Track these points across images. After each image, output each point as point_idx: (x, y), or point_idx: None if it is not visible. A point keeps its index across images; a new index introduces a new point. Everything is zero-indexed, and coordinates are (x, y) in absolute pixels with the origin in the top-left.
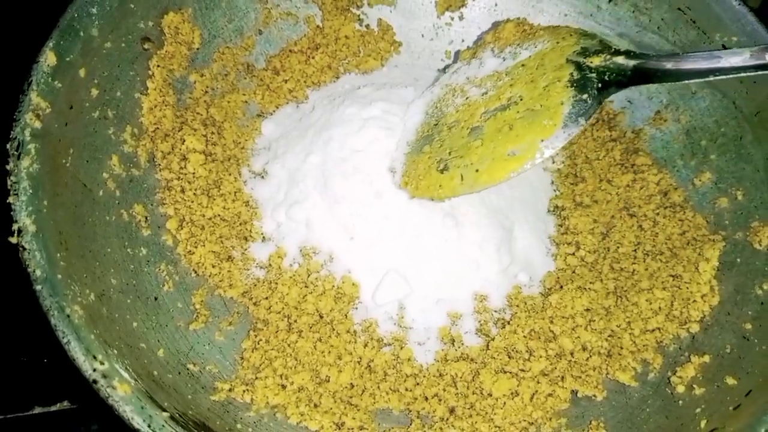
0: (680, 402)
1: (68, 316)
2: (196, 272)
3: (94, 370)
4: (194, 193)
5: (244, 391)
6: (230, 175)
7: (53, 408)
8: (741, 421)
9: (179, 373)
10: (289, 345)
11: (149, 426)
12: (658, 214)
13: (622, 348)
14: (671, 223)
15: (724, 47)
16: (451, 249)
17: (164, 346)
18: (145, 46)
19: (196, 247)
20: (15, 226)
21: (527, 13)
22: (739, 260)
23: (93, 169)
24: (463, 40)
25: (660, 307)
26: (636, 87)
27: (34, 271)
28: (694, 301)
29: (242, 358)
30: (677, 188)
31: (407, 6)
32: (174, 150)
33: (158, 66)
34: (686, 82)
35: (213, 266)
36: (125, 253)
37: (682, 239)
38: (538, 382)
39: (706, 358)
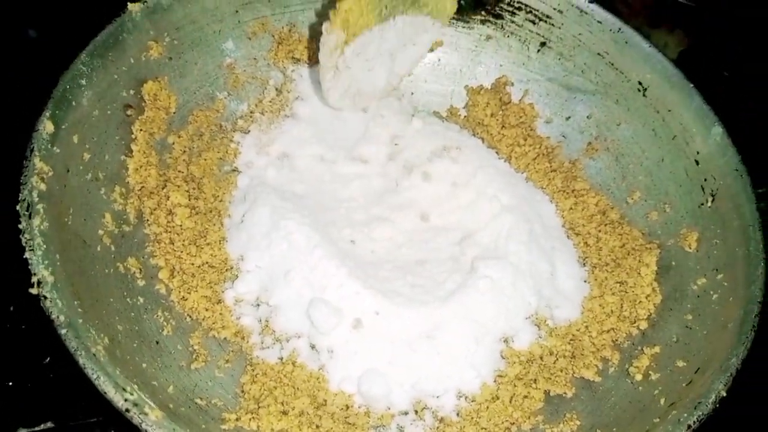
0: (640, 388)
1: (94, 355)
2: (190, 317)
3: (126, 400)
4: (183, 244)
5: (250, 419)
6: (214, 225)
7: (37, 428)
8: (695, 392)
9: (189, 406)
10: (285, 375)
11: None
12: (599, 231)
13: (583, 349)
14: (612, 238)
15: (640, 83)
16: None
17: (172, 383)
18: (128, 113)
19: (189, 293)
20: (34, 278)
21: (467, 66)
22: (674, 263)
23: (90, 227)
24: (412, 93)
25: (612, 310)
26: (568, 123)
27: (58, 317)
28: (640, 301)
29: (243, 392)
30: (613, 207)
31: None
32: (160, 206)
33: (141, 130)
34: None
35: (206, 310)
36: (125, 302)
37: (623, 251)
38: (515, 386)
39: (657, 349)
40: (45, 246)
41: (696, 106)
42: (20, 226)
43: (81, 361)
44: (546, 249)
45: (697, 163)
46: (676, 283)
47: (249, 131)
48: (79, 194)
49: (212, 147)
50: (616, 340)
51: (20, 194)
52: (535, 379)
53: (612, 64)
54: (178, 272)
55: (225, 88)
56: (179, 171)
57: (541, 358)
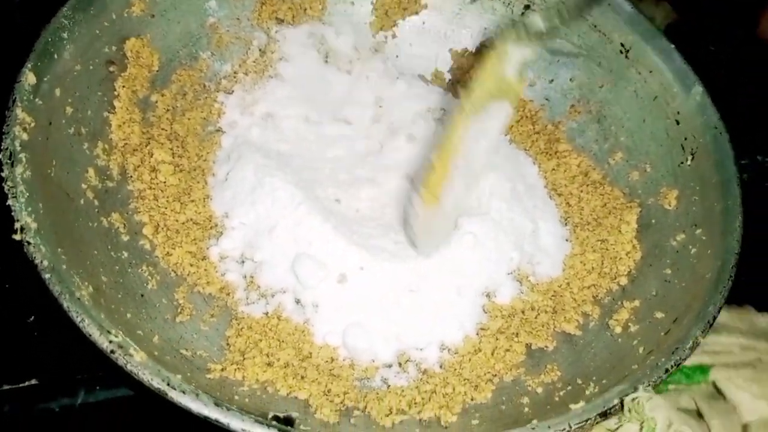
0: (619, 339)
1: (78, 298)
2: (175, 272)
3: (110, 342)
4: (167, 200)
5: (235, 370)
6: (198, 182)
7: (21, 385)
8: (672, 338)
9: (174, 356)
10: (270, 328)
11: (168, 384)
12: (581, 191)
13: (564, 305)
14: (593, 198)
15: (622, 45)
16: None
17: (157, 334)
18: (111, 69)
19: (173, 249)
20: (17, 224)
21: (452, 30)
22: (653, 221)
23: (73, 180)
24: (396, 56)
25: (593, 267)
26: (551, 86)
27: (41, 262)
28: (620, 258)
29: (228, 344)
30: (595, 168)
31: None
32: (143, 163)
33: (123, 87)
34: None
35: (191, 266)
36: (110, 255)
37: (604, 210)
38: (497, 339)
39: (636, 303)
40: (28, 194)
41: (676, 66)
42: (2, 174)
43: (65, 304)
44: (528, 207)
45: (678, 122)
46: (655, 240)
47: (232, 91)
48: (62, 147)
49: (196, 106)
50: (597, 295)
51: (2, 143)
52: (517, 333)
53: (595, 27)
54: (162, 228)
55: (208, 47)
56: (162, 129)
57: (523, 312)
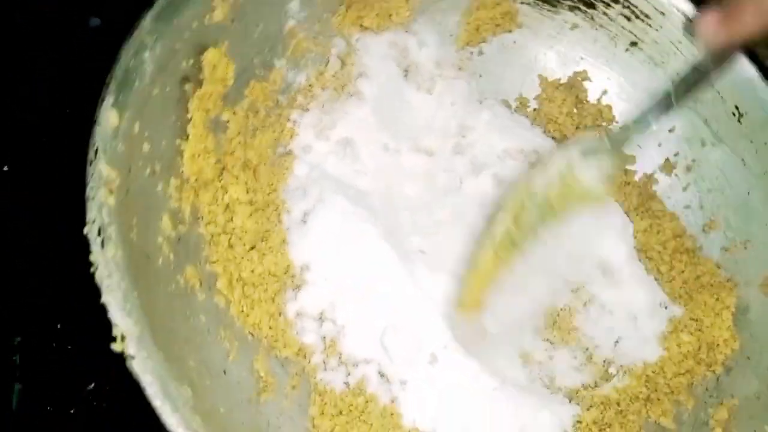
0: None
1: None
2: (252, 334)
3: None
4: (243, 248)
5: None
6: (274, 224)
7: None
8: None
9: None
10: (356, 408)
11: None
12: (674, 258)
13: (657, 391)
14: (687, 269)
15: (737, 108)
16: None
17: (246, 425)
18: (185, 87)
19: (252, 308)
20: (116, 331)
21: (543, 53)
22: (751, 309)
23: (151, 235)
24: (480, 75)
25: (688, 351)
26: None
27: (151, 384)
28: (717, 345)
29: (314, 426)
30: (690, 235)
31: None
32: (217, 200)
33: (198, 108)
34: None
35: (270, 327)
36: (189, 324)
37: (696, 283)
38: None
39: (736, 401)
40: (124, 284)
41: None
42: (92, 259)
43: None
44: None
45: None
46: (754, 331)
47: (308, 109)
48: (140, 198)
49: (267, 125)
50: (692, 384)
51: (88, 214)
52: (611, 424)
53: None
54: (238, 281)
55: (284, 55)
56: (236, 157)
57: (618, 404)
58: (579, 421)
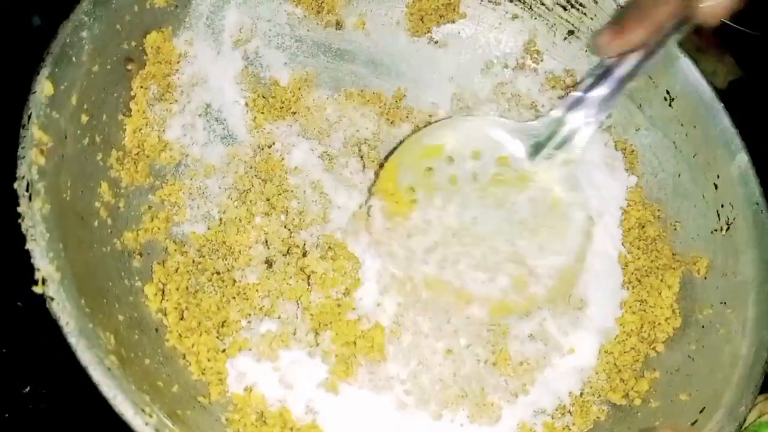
0: (639, 414)
1: (109, 369)
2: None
3: (146, 424)
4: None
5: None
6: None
7: None
8: None
9: (194, 407)
10: None
11: None
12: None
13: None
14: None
15: (668, 92)
16: None
17: (175, 381)
18: (129, 67)
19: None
20: (38, 274)
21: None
22: (688, 288)
23: (87, 199)
24: None
25: (632, 330)
26: None
27: (67, 323)
28: (659, 324)
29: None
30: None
31: None
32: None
33: (140, 87)
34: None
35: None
36: (123, 285)
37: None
38: None
39: (657, 374)
40: (48, 234)
41: (723, 127)
42: (20, 209)
43: (95, 377)
44: None
45: (716, 187)
46: (687, 309)
47: None
48: (76, 163)
49: None
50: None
51: (18, 170)
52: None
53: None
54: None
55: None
56: None
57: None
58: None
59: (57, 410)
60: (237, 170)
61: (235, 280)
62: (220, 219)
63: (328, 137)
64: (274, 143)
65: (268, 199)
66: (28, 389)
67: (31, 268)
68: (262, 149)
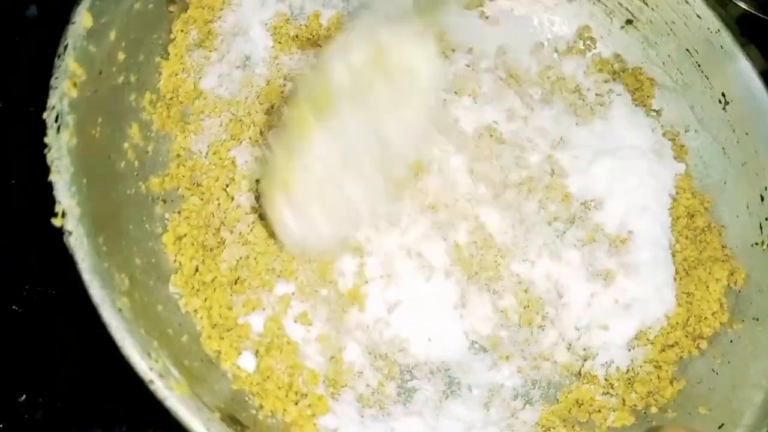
0: (653, 422)
1: (120, 309)
2: None
3: (151, 369)
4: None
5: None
6: None
7: None
8: None
9: (201, 360)
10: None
11: (207, 429)
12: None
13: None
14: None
15: (723, 95)
16: None
17: (185, 331)
18: (170, 9)
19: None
20: (58, 207)
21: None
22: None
23: (116, 139)
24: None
25: (677, 323)
26: None
27: (83, 260)
28: (705, 318)
29: None
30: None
31: None
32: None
33: (181, 30)
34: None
35: None
36: (144, 229)
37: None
38: None
39: (682, 384)
40: (73, 168)
41: None
42: (46, 140)
43: (104, 316)
44: None
45: (762, 199)
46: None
47: None
48: (109, 100)
49: None
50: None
51: (48, 100)
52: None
53: (698, 65)
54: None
55: None
56: None
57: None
58: None
59: (53, 419)
60: None
61: (249, 240)
62: None
63: None
64: None
65: None
66: (23, 398)
67: (31, 269)
68: None
